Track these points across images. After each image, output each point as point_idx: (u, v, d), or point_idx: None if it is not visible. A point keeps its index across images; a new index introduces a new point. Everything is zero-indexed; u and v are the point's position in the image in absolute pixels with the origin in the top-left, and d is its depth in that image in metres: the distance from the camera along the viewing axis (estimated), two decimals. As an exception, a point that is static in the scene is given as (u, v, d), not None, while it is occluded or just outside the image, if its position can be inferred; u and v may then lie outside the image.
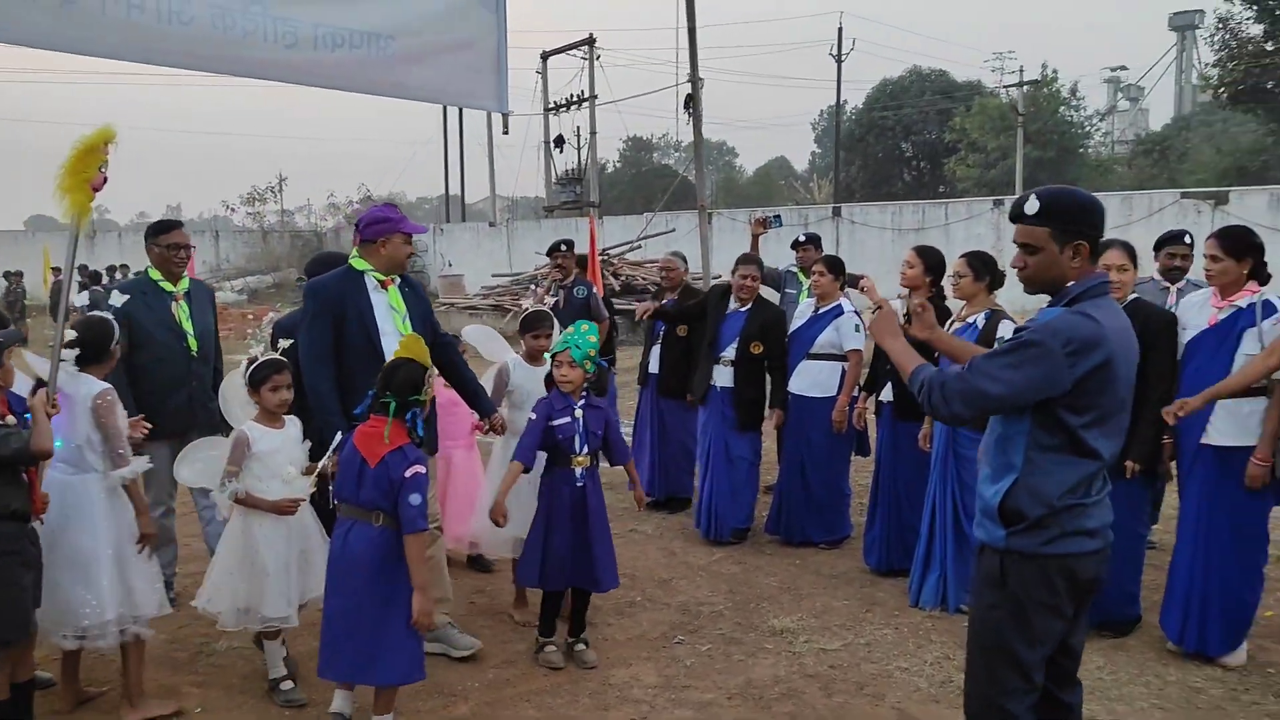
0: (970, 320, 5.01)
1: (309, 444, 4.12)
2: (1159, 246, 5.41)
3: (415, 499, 3.43)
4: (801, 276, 7.20)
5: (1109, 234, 3.83)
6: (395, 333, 4.20)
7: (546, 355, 4.36)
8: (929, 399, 2.64)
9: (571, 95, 28.60)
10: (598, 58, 27.73)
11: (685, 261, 7.07)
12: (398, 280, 4.38)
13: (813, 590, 5.26)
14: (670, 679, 4.20)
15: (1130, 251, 4.64)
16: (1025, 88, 37.74)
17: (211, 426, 4.83)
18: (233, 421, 4.18)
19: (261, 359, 4.07)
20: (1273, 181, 24.18)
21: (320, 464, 3.91)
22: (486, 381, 4.97)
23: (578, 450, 4.30)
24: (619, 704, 3.96)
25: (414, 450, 3.52)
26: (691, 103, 7.69)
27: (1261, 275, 4.37)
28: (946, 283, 5.25)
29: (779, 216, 8.09)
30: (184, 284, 5.08)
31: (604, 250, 19.68)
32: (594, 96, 28.11)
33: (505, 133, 6.35)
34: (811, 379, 5.95)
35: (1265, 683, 4.12)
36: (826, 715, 3.87)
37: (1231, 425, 4.24)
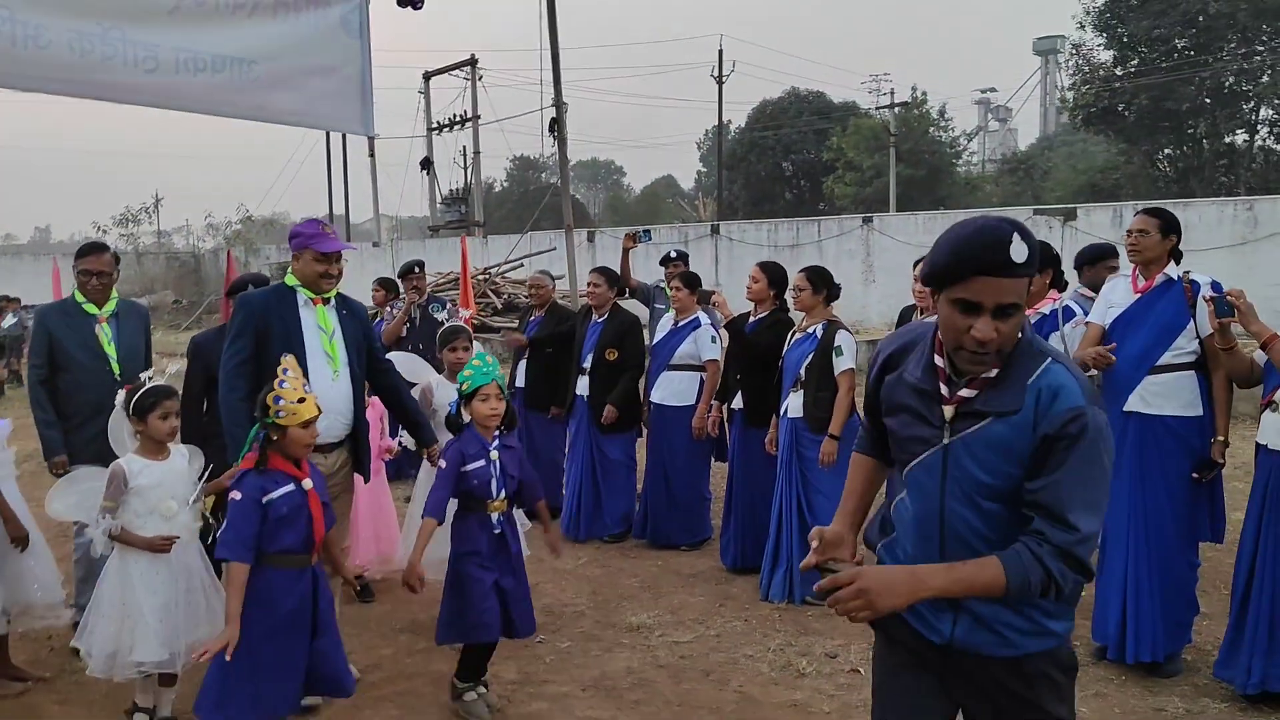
0: (810, 330, 5.38)
1: (204, 474, 3.95)
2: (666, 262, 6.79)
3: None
4: (669, 291, 7.47)
5: None
6: (321, 352, 4.14)
7: (466, 389, 3.99)
8: (1062, 583, 1.96)
9: (454, 115, 28.64)
10: (480, 78, 27.88)
11: (553, 279, 7.32)
12: (333, 300, 4.26)
13: (671, 589, 5.54)
14: (529, 675, 4.42)
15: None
16: (897, 109, 39.32)
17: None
18: (119, 451, 3.95)
19: (148, 384, 3.90)
20: (1123, 198, 25.76)
21: (195, 493, 3.84)
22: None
23: (494, 495, 3.97)
24: (478, 700, 4.16)
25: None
26: (556, 126, 7.95)
27: (1060, 283, 4.85)
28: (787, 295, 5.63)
29: (649, 231, 8.38)
30: (110, 306, 4.98)
31: (486, 269, 19.79)
32: (476, 116, 28.24)
33: (371, 155, 6.38)
34: (671, 389, 6.26)
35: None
36: (673, 700, 4.13)
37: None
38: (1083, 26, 33.53)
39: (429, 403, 4.94)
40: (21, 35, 4.89)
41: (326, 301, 4.21)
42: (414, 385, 5.12)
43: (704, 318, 6.31)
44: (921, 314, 5.13)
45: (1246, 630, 4.03)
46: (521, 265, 19.63)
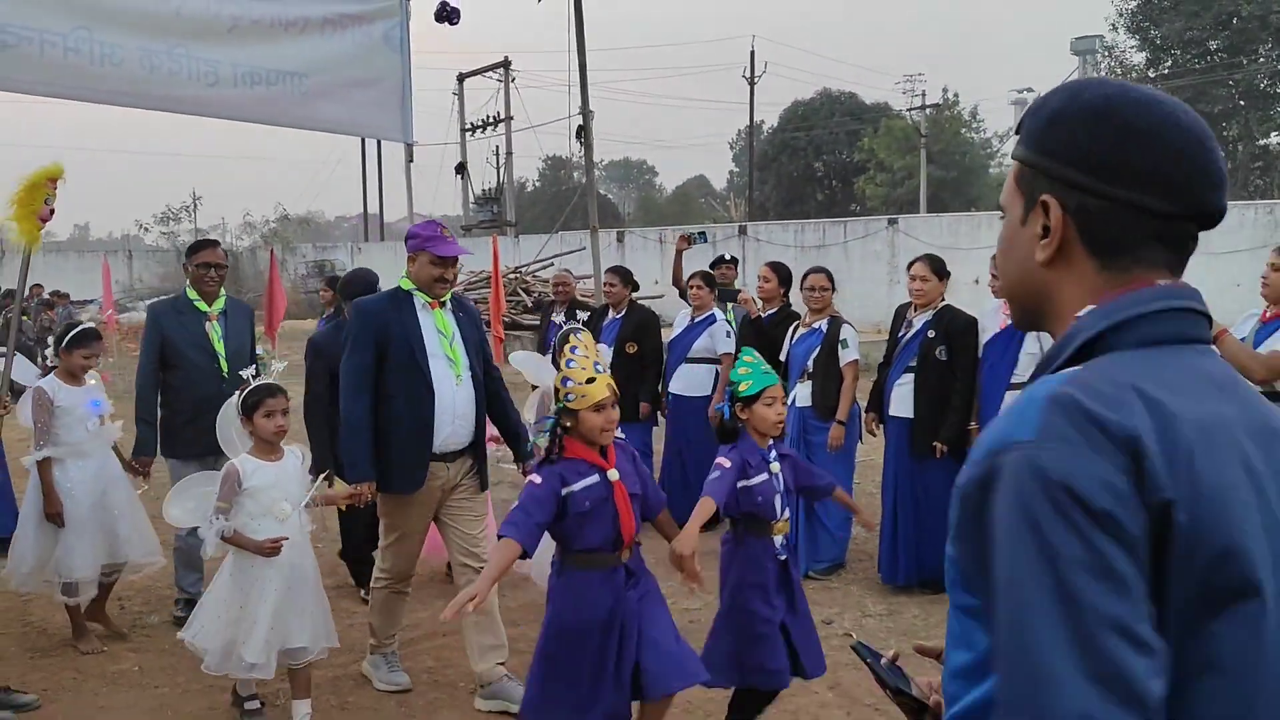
0: (815, 325, 5.82)
1: (316, 477, 4.01)
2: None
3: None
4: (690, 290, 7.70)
5: (983, 253, 4.46)
6: (443, 356, 4.08)
7: (746, 390, 3.54)
8: None
9: (487, 116, 29.23)
10: (513, 80, 28.45)
11: (576, 278, 7.81)
12: (449, 303, 4.20)
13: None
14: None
15: (936, 264, 5.51)
16: (928, 110, 39.48)
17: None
18: (230, 452, 3.93)
19: (255, 382, 3.86)
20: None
21: (308, 497, 3.84)
22: (530, 408, 5.04)
23: (778, 514, 3.53)
24: None
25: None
26: (583, 133, 8.39)
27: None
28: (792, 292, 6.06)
29: (704, 233, 7.93)
30: (220, 303, 5.08)
31: (517, 268, 20.30)
32: (510, 118, 28.79)
33: (410, 161, 6.80)
34: (688, 380, 6.69)
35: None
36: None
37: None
38: (1115, 28, 33.68)
39: (548, 408, 4.47)
40: (99, 53, 5.39)
41: (443, 304, 4.14)
42: (535, 387, 5.14)
43: (719, 314, 6.74)
44: (915, 310, 5.52)
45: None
46: (551, 264, 20.10)
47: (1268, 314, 4.45)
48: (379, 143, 42.66)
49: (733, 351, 6.61)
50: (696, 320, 6.72)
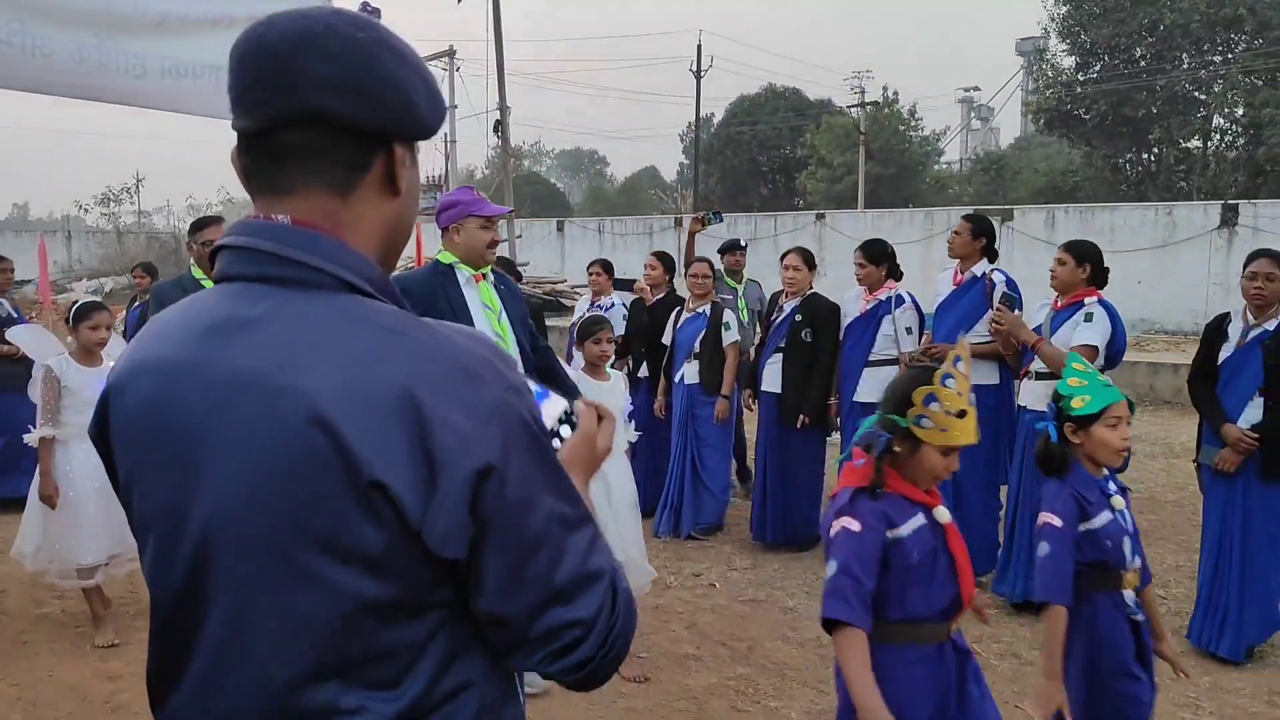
0: (699, 310, 6.38)
1: None
2: (724, 251, 7.16)
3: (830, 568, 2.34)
4: (730, 281, 7.23)
5: (909, 247, 4.89)
6: (491, 335, 3.72)
7: (1081, 408, 2.80)
8: None
9: (433, 105, 29.46)
10: (458, 69, 28.71)
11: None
12: (491, 275, 3.96)
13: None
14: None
15: (807, 256, 6.07)
16: (868, 108, 40.32)
17: None
18: None
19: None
20: (1081, 200, 26.82)
21: None
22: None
23: (1128, 562, 2.82)
24: None
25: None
26: (500, 128, 8.85)
27: (896, 274, 5.84)
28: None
29: (719, 213, 7.54)
30: None
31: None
32: (454, 106, 29.02)
33: None
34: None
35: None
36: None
37: (872, 386, 5.68)
38: (1047, 33, 34.65)
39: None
40: (31, 45, 5.75)
41: (485, 277, 3.88)
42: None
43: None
44: (786, 297, 6.07)
45: (1014, 555, 5.04)
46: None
47: (1058, 303, 5.05)
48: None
49: (738, 339, 6.45)
50: (698, 311, 6.47)
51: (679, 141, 70.75)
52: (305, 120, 1.07)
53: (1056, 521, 2.73)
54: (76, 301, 4.73)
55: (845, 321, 5.89)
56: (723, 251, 7.30)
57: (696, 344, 6.32)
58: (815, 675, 4.27)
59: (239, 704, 1.02)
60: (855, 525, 2.35)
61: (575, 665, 1.07)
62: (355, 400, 0.96)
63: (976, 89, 78.68)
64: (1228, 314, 4.87)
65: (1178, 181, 33.91)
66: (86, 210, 34.53)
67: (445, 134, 30.92)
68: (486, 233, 3.80)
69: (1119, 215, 18.50)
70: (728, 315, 6.29)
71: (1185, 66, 31.49)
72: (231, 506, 1.01)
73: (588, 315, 4.82)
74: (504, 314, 3.84)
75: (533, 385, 1.22)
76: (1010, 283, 5.43)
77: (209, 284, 4.09)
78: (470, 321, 3.66)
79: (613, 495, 4.28)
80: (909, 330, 5.68)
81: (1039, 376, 5.01)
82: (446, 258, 3.85)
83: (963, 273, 5.54)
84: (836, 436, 6.26)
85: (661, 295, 6.81)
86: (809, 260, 6.02)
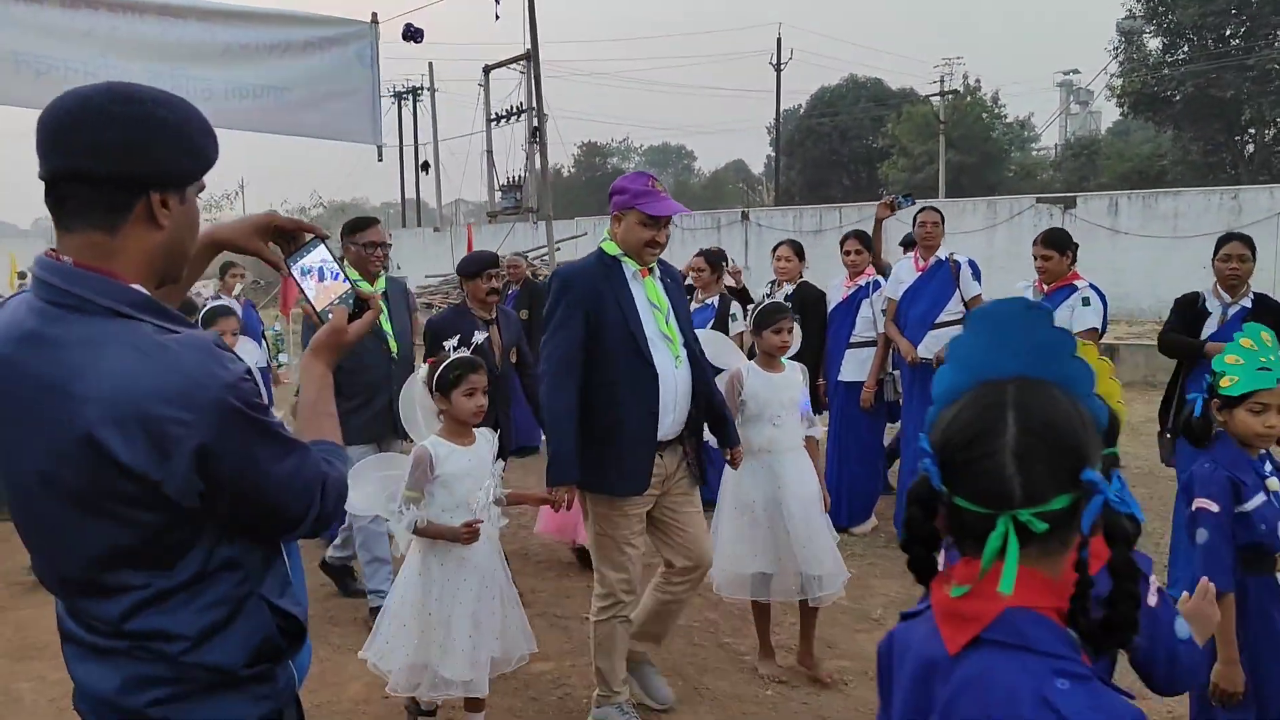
0: (708, 301, 6.89)
1: (503, 464, 3.61)
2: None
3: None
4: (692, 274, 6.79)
5: (969, 237, 5.31)
6: (660, 335, 3.52)
7: (1228, 388, 2.74)
8: None
9: (511, 107, 30.37)
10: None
11: (527, 260, 8.94)
12: (657, 269, 3.63)
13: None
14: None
15: (797, 247, 6.58)
16: (949, 96, 40.03)
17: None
18: (414, 435, 3.58)
19: (454, 356, 3.47)
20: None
21: (497, 490, 3.49)
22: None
23: None
24: None
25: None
26: (538, 134, 9.51)
27: (880, 265, 6.34)
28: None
29: (910, 195, 6.88)
30: (381, 283, 4.87)
31: (523, 253, 21.44)
32: (532, 108, 29.90)
33: (380, 160, 7.76)
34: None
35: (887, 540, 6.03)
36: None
37: (854, 366, 6.18)
38: (1133, 15, 33.94)
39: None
40: (114, 76, 6.60)
41: (651, 271, 3.60)
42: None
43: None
44: (779, 285, 6.58)
45: None
46: (559, 249, 21.25)
47: (1044, 287, 5.49)
48: (415, 132, 44.45)
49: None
50: (706, 303, 6.65)
51: (766, 134, 71.09)
52: (72, 176, 1.45)
53: (1213, 507, 2.66)
54: (206, 304, 4.69)
55: (830, 307, 6.39)
56: (906, 246, 6.70)
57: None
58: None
59: (68, 575, 1.53)
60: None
61: (302, 535, 1.62)
62: (115, 406, 1.38)
63: (1076, 71, 76.63)
64: (1198, 293, 5.25)
65: (1276, 162, 32.92)
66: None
67: (533, 130, 31.88)
68: (646, 231, 3.47)
69: (1183, 200, 18.32)
70: (734, 307, 6.80)
71: (1278, 44, 30.58)
72: (42, 469, 1.45)
73: (767, 302, 4.41)
74: (672, 314, 3.58)
75: (324, 259, 1.76)
76: (972, 264, 5.92)
77: (367, 286, 4.34)
78: (639, 318, 3.47)
79: (790, 496, 3.99)
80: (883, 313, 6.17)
81: None
82: (611, 248, 3.58)
83: (925, 259, 6.02)
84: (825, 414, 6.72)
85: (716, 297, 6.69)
86: (799, 251, 6.53)
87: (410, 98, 45.42)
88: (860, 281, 6.25)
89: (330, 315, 1.80)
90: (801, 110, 50.78)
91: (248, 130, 7.46)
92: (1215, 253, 5.04)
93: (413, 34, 8.38)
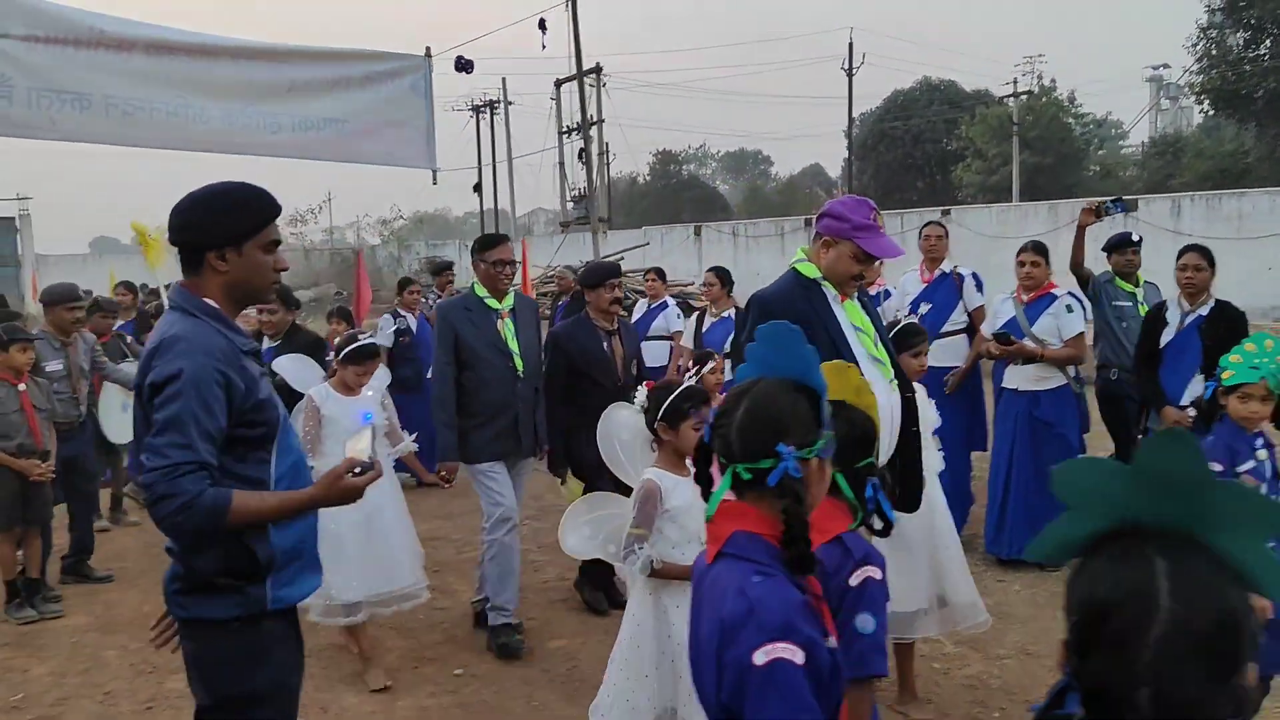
0: (725, 314, 7.34)
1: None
2: (1112, 249, 6.12)
3: (866, 623, 2.17)
4: (1124, 284, 6.13)
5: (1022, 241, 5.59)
6: (869, 358, 3.36)
7: (1229, 379, 3.40)
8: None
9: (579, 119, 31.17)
10: (604, 84, 30.31)
11: (574, 273, 9.49)
12: (854, 294, 3.51)
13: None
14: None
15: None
16: (1023, 97, 39.63)
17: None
18: (616, 468, 3.45)
19: (688, 382, 3.34)
20: (1251, 184, 25.83)
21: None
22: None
23: None
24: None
25: (859, 542, 2.26)
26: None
27: (1082, 274, 6.30)
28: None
29: (1119, 200, 6.39)
30: (509, 300, 4.91)
31: (586, 262, 22.08)
32: (601, 120, 30.64)
33: (434, 184, 8.29)
34: (652, 354, 8.16)
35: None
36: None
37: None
38: (1211, 10, 33.24)
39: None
40: (192, 114, 7.34)
41: (849, 295, 3.49)
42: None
43: (670, 300, 8.24)
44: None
45: (1006, 517, 5.82)
46: (623, 258, 21.87)
47: (1023, 297, 5.84)
48: (493, 145, 45.70)
49: (683, 329, 7.79)
50: (724, 315, 7.26)
51: (843, 139, 70.80)
52: (174, 244, 2.47)
53: (1218, 467, 3.22)
54: (355, 340, 4.59)
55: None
56: (1109, 249, 6.20)
57: (727, 346, 7.26)
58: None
59: None
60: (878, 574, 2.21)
61: (150, 507, 2.26)
62: (155, 353, 2.32)
63: (1166, 66, 74.74)
64: (1164, 302, 5.56)
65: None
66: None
67: (607, 144, 32.67)
68: (857, 265, 3.37)
69: (1247, 201, 18.10)
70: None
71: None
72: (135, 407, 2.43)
73: (905, 323, 4.40)
74: (878, 338, 3.47)
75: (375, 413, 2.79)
76: (975, 276, 6.28)
77: (494, 303, 4.86)
78: (846, 342, 3.34)
79: (930, 524, 3.84)
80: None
81: (1025, 361, 5.82)
82: (808, 270, 3.44)
83: (930, 270, 6.38)
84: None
85: (727, 313, 7.16)
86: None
87: (488, 111, 46.54)
88: (872, 293, 6.56)
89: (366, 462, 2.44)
90: (874, 114, 50.72)
91: (313, 159, 8.15)
92: (1176, 261, 5.36)
93: (464, 65, 9.00)
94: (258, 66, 7.70)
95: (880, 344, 3.44)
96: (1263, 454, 3.41)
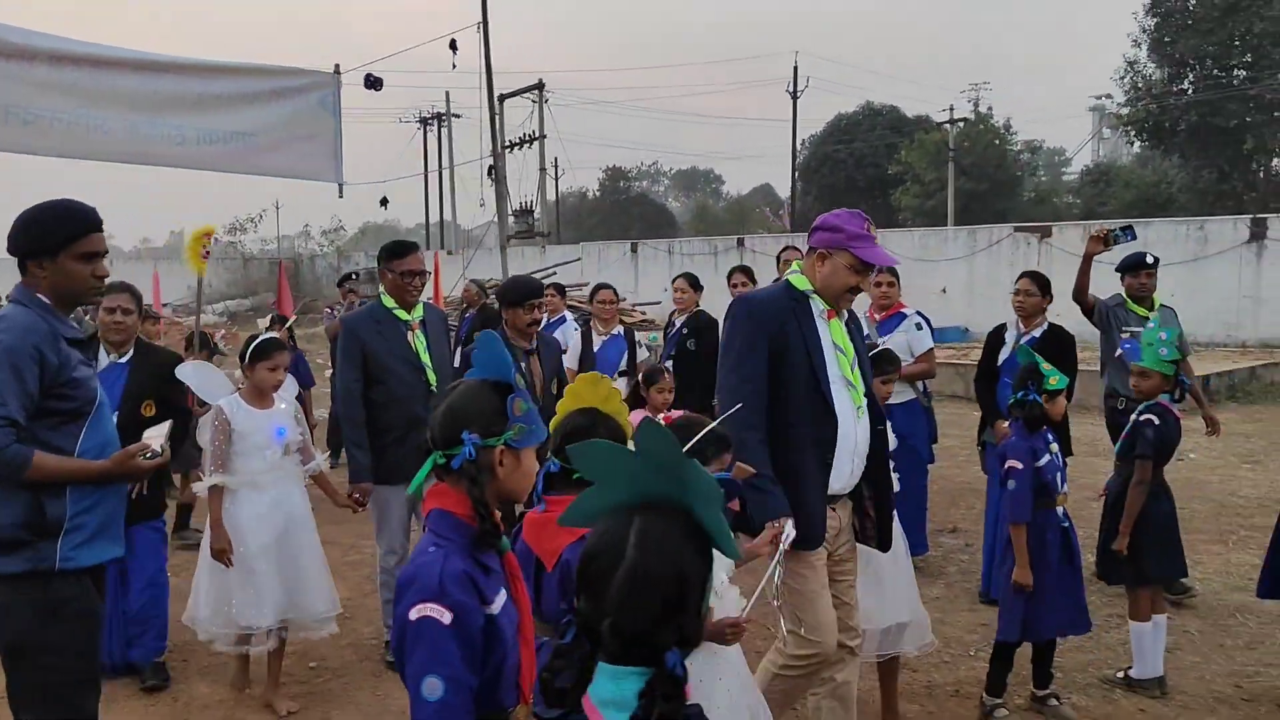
0: (615, 333, 7.60)
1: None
2: (1126, 270, 5.89)
3: (433, 689, 1.93)
4: (1136, 308, 5.91)
5: (952, 265, 5.71)
6: (842, 380, 3.32)
7: (1055, 384, 4.16)
8: None
9: (523, 135, 31.45)
10: (546, 100, 30.63)
11: (480, 287, 9.71)
12: (844, 314, 3.44)
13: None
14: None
15: (692, 279, 7.27)
16: (960, 124, 40.59)
17: None
18: None
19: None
20: (1175, 213, 26.73)
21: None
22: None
23: (1060, 487, 4.14)
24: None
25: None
26: (494, 170, 10.32)
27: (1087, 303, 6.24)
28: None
29: (1130, 228, 6.05)
30: (418, 311, 4.71)
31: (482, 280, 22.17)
32: (543, 136, 30.98)
33: (340, 196, 8.41)
34: None
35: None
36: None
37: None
38: (1138, 44, 34.40)
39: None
40: (94, 124, 7.47)
41: (838, 314, 3.42)
42: None
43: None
44: (678, 314, 7.29)
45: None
46: (555, 274, 22.09)
47: (875, 315, 6.18)
48: (440, 155, 45.73)
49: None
50: (614, 334, 7.30)
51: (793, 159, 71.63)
52: (8, 251, 2.85)
53: (1019, 465, 4.03)
54: (257, 336, 4.35)
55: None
56: (1123, 271, 5.94)
57: (623, 363, 7.41)
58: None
59: None
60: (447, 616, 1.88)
61: None
62: None
63: (1108, 96, 76.32)
64: (1004, 324, 5.94)
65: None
66: (217, 240, 37.89)
67: (555, 159, 32.89)
68: (853, 276, 3.30)
69: (1152, 230, 18.75)
70: (637, 335, 7.52)
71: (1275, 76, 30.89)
72: None
73: (880, 349, 4.61)
74: (856, 361, 3.40)
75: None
76: (926, 320, 6.22)
77: (404, 314, 4.64)
78: (823, 359, 3.30)
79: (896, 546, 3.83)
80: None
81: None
82: (801, 283, 3.39)
83: (879, 315, 6.22)
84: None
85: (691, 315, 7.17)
86: (694, 283, 7.26)
87: (436, 124, 46.63)
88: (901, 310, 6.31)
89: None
90: (818, 137, 51.53)
91: (217, 171, 8.31)
92: (1013, 286, 5.76)
93: (373, 83, 9.21)
94: (165, 79, 7.84)
95: (856, 369, 3.39)
96: (1055, 447, 4.16)
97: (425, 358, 4.62)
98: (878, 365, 4.20)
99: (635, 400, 6.33)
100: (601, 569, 1.43)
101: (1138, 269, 5.87)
